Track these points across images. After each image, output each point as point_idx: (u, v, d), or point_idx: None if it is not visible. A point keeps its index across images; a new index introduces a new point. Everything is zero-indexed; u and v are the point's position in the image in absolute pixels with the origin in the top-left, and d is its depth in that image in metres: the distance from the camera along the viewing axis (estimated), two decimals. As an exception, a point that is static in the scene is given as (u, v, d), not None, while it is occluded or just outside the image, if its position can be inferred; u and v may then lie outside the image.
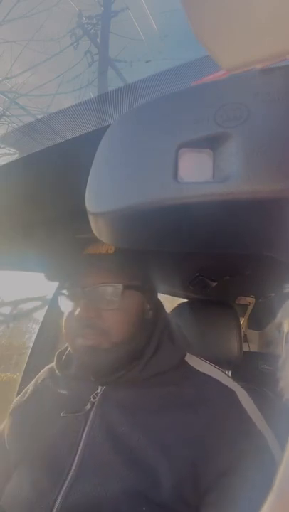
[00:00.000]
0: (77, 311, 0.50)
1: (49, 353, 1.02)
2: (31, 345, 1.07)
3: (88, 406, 0.51)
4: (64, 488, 0.44)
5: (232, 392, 0.50)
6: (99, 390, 0.52)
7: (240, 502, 0.39)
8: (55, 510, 0.43)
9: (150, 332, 0.54)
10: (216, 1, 0.17)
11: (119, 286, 0.51)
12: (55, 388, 0.58)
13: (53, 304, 1.09)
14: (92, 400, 0.52)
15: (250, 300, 1.17)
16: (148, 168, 0.23)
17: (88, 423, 0.49)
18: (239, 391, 0.51)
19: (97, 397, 0.52)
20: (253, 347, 1.57)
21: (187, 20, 0.18)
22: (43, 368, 0.66)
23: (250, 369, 1.19)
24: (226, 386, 0.51)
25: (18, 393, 0.64)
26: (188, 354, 0.57)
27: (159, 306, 0.60)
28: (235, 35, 0.18)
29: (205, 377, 0.53)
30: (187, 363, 0.55)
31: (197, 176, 0.22)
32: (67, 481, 0.45)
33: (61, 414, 0.51)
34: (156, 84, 0.37)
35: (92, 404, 0.51)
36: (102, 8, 6.65)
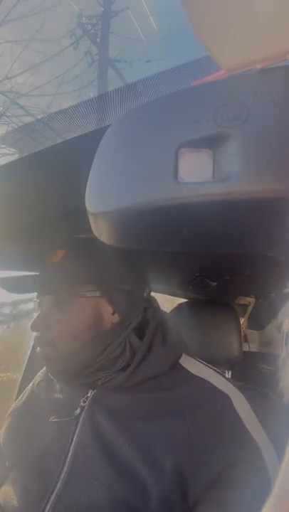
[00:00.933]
0: (32, 322, 0.53)
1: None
2: (31, 345, 1.07)
3: (78, 410, 0.50)
4: (53, 496, 0.44)
5: (226, 398, 0.48)
6: (89, 394, 0.51)
7: None
8: None
9: (121, 336, 0.51)
10: (216, 1, 0.17)
11: (60, 297, 0.52)
12: (50, 391, 0.57)
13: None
14: (82, 404, 0.50)
15: (250, 300, 1.17)
16: (148, 168, 0.23)
17: (78, 428, 0.48)
18: (235, 395, 0.49)
19: (87, 402, 0.50)
20: (253, 347, 1.56)
21: (187, 20, 0.18)
22: (43, 368, 0.65)
23: (250, 369, 1.18)
24: (220, 391, 0.49)
25: (19, 393, 0.64)
26: (184, 355, 0.54)
27: (152, 306, 0.57)
28: (235, 35, 0.18)
29: (198, 381, 0.50)
30: (181, 365, 0.53)
31: (197, 176, 0.22)
32: (56, 489, 0.44)
33: (50, 420, 0.51)
34: (156, 84, 0.37)
35: (82, 408, 0.50)
36: (102, 8, 6.65)
